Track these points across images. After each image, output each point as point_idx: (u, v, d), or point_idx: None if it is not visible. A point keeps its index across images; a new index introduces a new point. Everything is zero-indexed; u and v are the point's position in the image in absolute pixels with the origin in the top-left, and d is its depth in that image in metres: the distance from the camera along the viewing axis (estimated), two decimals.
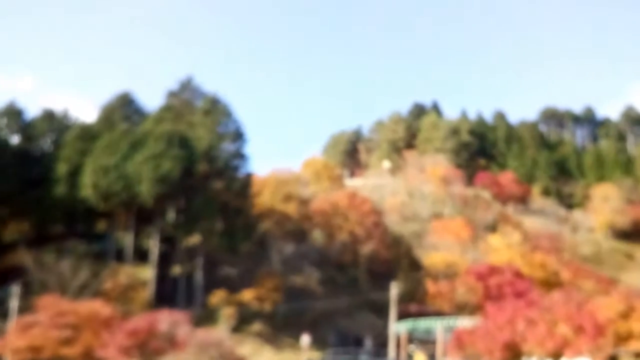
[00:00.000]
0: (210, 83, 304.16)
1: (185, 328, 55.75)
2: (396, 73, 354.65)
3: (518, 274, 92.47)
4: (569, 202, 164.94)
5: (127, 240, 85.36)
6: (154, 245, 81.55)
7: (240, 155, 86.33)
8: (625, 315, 60.34)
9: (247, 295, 76.79)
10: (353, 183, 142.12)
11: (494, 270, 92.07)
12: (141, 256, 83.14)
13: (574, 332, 58.40)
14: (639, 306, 61.70)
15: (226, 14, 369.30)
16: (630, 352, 58.07)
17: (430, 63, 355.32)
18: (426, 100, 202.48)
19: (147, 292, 77.64)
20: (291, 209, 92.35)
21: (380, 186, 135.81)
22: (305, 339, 69.43)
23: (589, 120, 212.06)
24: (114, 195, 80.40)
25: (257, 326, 76.03)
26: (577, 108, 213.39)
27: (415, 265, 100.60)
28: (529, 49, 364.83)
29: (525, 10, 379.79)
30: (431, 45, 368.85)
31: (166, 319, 55.82)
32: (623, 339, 58.57)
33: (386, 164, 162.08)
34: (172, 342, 54.22)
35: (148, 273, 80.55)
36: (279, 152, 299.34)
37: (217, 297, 74.59)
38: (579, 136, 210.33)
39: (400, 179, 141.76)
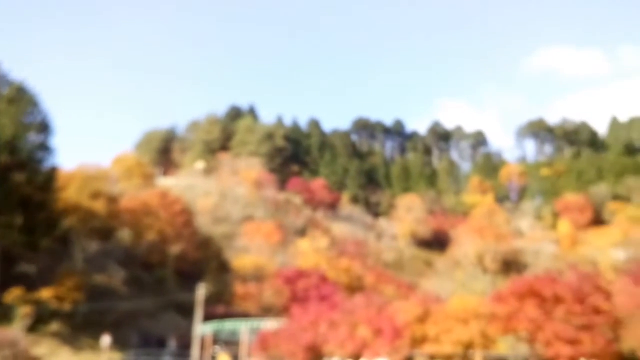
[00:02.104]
0: (17, 72, 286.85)
1: None
2: (214, 74, 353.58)
3: (324, 278, 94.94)
4: (376, 211, 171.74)
5: None
6: None
7: (45, 148, 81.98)
8: (422, 319, 63.40)
9: (46, 293, 72.99)
10: (165, 182, 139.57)
11: (301, 274, 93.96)
12: None
13: (374, 334, 60.75)
14: (435, 311, 65.06)
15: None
16: (426, 354, 60.96)
17: (249, 67, 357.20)
18: (243, 104, 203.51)
19: None
20: (99, 206, 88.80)
21: (193, 187, 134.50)
22: (106, 339, 67.15)
23: (398, 133, 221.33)
24: None
25: (55, 326, 72.52)
26: (388, 121, 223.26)
27: (224, 267, 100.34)
28: (345, 61, 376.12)
29: (342, 23, 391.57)
30: (250, 50, 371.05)
31: None
32: (419, 341, 61.48)
33: (200, 165, 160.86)
34: None
35: None
36: (89, 147, 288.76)
37: (13, 295, 70.46)
38: (388, 148, 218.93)
39: (213, 181, 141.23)
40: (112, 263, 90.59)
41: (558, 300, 61.71)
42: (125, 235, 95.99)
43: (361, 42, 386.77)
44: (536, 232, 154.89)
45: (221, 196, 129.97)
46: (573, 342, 57.87)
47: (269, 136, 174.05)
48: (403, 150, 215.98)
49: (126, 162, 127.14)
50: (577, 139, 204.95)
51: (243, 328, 70.69)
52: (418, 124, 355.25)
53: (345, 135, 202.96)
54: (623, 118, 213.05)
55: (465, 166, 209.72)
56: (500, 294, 68.08)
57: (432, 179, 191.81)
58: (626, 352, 60.20)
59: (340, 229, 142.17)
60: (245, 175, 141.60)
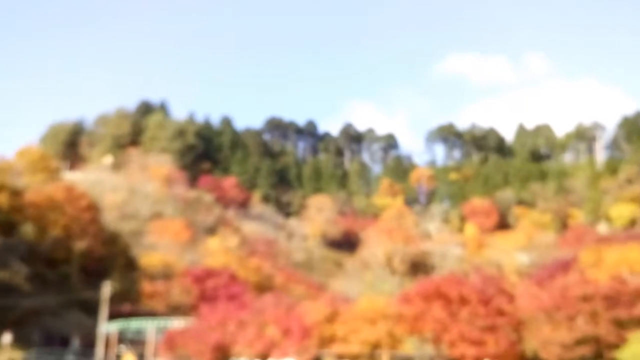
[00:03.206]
0: None
1: None
2: (125, 68, 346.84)
3: (233, 277, 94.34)
4: (287, 210, 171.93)
5: None
6: None
7: None
8: (331, 319, 63.72)
9: None
10: (72, 176, 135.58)
11: (210, 272, 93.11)
12: None
13: (282, 334, 60.70)
14: (344, 311, 65.46)
15: None
16: (333, 353, 61.21)
17: (160, 62, 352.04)
18: (154, 99, 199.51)
19: None
20: (1, 199, 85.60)
21: (100, 181, 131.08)
22: (6, 337, 64.84)
23: (310, 133, 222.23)
24: None
25: None
26: (301, 121, 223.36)
27: (132, 265, 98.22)
28: (259, 59, 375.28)
29: (257, 21, 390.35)
30: (162, 44, 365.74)
31: None
32: (327, 341, 61.69)
33: (108, 159, 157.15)
34: None
35: None
36: None
37: None
38: (300, 148, 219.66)
39: (122, 176, 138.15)
40: (14, 259, 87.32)
41: (463, 301, 63.08)
42: (28, 230, 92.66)
43: (275, 41, 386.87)
44: (443, 234, 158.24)
45: (129, 192, 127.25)
46: (477, 343, 59.25)
47: (180, 132, 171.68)
48: (315, 151, 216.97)
49: (31, 155, 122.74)
50: (485, 144, 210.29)
51: (149, 327, 69.48)
52: (330, 125, 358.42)
53: (258, 134, 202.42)
54: (529, 125, 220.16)
55: (376, 168, 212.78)
56: (407, 295, 69.13)
57: (343, 180, 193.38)
58: (528, 352, 61.98)
59: (250, 228, 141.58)
60: (154, 171, 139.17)
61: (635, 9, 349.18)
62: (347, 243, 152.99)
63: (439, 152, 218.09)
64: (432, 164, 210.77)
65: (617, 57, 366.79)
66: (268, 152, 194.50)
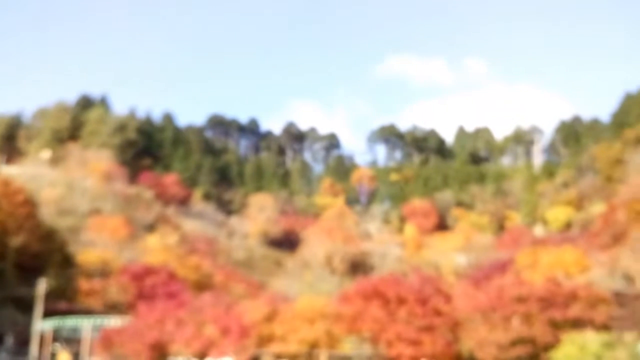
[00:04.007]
0: None
1: None
2: (65, 60, 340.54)
3: (172, 275, 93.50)
4: (228, 208, 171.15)
5: None
6: None
7: None
8: (270, 318, 63.66)
9: None
10: (8, 170, 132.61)
11: (149, 270, 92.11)
12: None
13: (221, 333, 60.46)
14: (283, 310, 65.52)
15: None
16: (272, 352, 61.22)
17: (101, 55, 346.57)
18: (95, 93, 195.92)
19: None
20: None
21: (38, 176, 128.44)
22: None
23: (253, 131, 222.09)
24: None
25: None
26: (243, 119, 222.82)
27: (68, 262, 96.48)
28: (201, 55, 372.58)
29: (199, 17, 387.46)
30: (103, 37, 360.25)
31: None
32: (266, 340, 61.64)
33: (46, 154, 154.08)
34: None
35: None
36: None
37: None
38: (242, 146, 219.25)
39: (60, 171, 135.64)
40: None
41: (401, 301, 63.76)
42: None
43: (218, 38, 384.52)
44: (383, 235, 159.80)
45: (68, 187, 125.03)
46: (414, 343, 59.93)
47: (121, 128, 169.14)
48: (257, 149, 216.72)
49: None
50: (425, 146, 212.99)
51: (85, 325, 68.45)
52: (273, 124, 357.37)
53: (200, 131, 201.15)
54: (469, 128, 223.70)
55: (318, 168, 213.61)
56: (346, 295, 69.63)
57: (284, 179, 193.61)
58: (464, 353, 62.98)
59: (191, 225, 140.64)
60: (94, 166, 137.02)
61: (573, 15, 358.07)
62: (287, 242, 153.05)
63: (381, 152, 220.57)
64: (373, 164, 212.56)
65: (555, 63, 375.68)
66: (210, 150, 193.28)
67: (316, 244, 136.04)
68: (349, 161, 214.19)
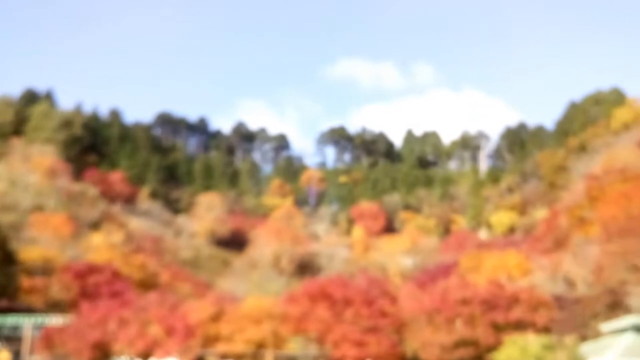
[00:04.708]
0: None
1: None
2: (10, 53, 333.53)
3: (117, 274, 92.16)
4: (175, 207, 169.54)
5: None
6: None
7: None
8: (216, 318, 63.34)
9: None
10: None
11: (93, 268, 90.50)
12: None
13: (165, 333, 59.87)
14: (229, 310, 65.20)
15: None
16: (217, 352, 60.84)
17: (47, 48, 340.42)
18: (40, 87, 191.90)
19: None
20: None
21: None
22: None
23: (202, 130, 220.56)
24: None
25: None
26: (192, 117, 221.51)
27: (10, 259, 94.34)
28: (149, 52, 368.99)
29: (150, 14, 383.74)
30: (49, 30, 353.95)
31: None
32: (212, 340, 61.28)
33: None
34: None
35: None
36: None
37: None
38: (191, 144, 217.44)
39: (2, 166, 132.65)
40: None
41: (347, 302, 64.08)
42: None
43: (168, 36, 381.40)
44: (331, 236, 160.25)
45: (10, 183, 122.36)
46: (359, 344, 60.26)
47: (66, 123, 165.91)
48: (206, 148, 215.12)
49: None
50: (374, 148, 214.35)
51: (26, 323, 67.09)
52: (222, 123, 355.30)
53: (147, 128, 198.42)
54: (417, 132, 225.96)
55: (267, 168, 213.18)
56: (293, 295, 69.68)
57: (233, 178, 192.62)
58: (409, 354, 63.47)
59: (137, 223, 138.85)
60: (37, 162, 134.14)
61: (519, 23, 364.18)
62: (235, 242, 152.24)
63: (330, 154, 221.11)
64: (322, 166, 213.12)
65: (501, 70, 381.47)
66: (158, 147, 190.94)
67: (264, 245, 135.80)
68: (298, 162, 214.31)
